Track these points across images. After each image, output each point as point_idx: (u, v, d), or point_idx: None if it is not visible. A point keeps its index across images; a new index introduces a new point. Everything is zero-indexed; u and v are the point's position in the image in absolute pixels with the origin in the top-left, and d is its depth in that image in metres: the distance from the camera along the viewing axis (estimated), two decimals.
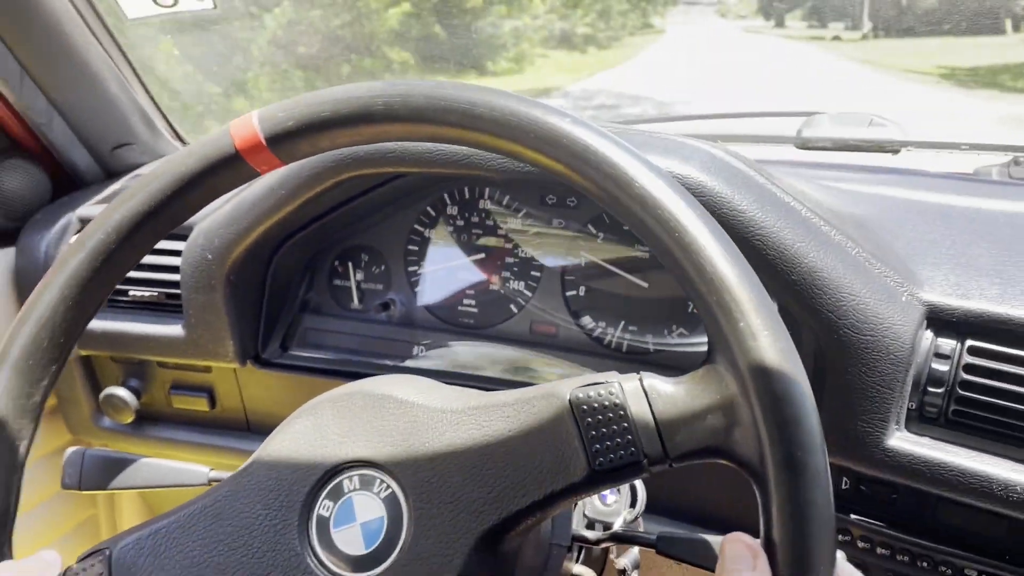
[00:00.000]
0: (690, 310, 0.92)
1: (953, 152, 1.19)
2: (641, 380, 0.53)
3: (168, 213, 0.56)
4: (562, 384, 0.55)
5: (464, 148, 0.81)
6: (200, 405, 1.04)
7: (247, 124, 0.54)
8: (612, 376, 0.54)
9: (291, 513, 0.56)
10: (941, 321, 0.74)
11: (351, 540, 0.56)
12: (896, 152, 1.20)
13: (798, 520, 0.44)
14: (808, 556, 0.44)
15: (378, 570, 0.55)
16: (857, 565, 0.79)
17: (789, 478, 0.44)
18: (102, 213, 0.56)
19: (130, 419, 1.05)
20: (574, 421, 0.53)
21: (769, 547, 0.46)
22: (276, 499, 0.56)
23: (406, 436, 0.56)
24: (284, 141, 0.54)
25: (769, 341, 0.46)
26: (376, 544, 0.55)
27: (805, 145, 1.23)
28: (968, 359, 0.72)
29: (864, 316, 0.71)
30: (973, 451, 0.72)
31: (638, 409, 0.52)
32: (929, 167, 1.26)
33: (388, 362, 1.01)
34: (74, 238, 0.56)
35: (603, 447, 0.52)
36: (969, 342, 0.72)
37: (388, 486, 0.56)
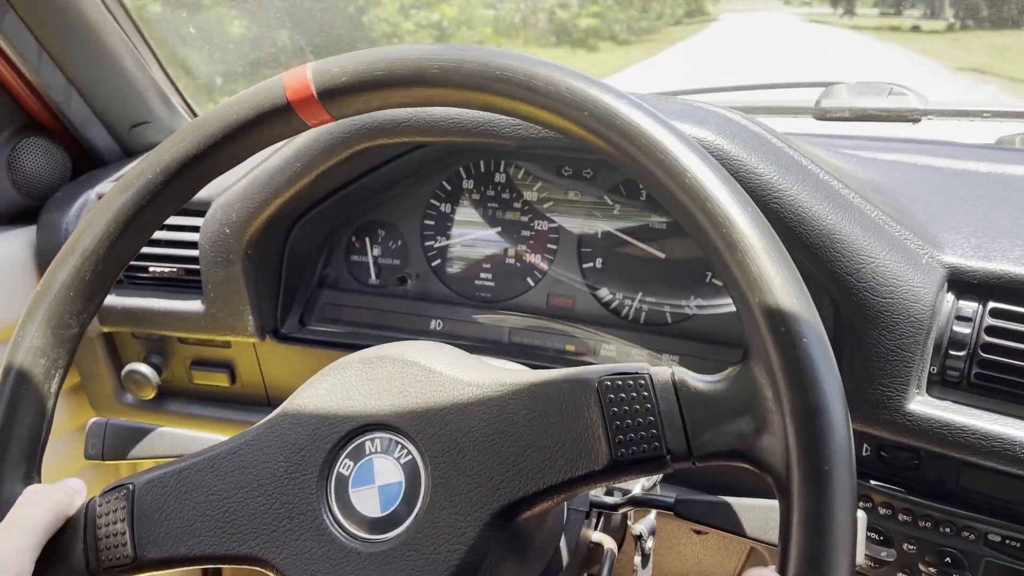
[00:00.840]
0: (708, 280, 0.92)
1: (975, 121, 1.17)
2: (673, 374, 0.52)
3: (215, 159, 0.57)
4: (591, 370, 0.54)
5: (480, 115, 0.80)
6: (220, 380, 1.05)
7: (300, 76, 0.54)
8: (643, 366, 0.53)
9: (312, 468, 0.57)
10: (962, 283, 0.73)
11: (368, 501, 0.56)
12: (917, 121, 1.18)
13: (819, 536, 0.44)
14: (824, 573, 0.44)
15: (392, 534, 0.55)
16: (878, 532, 0.79)
17: (814, 492, 0.44)
18: (150, 154, 0.57)
19: (152, 395, 1.06)
20: (600, 409, 0.52)
21: (784, 557, 0.45)
22: (298, 453, 0.57)
23: (431, 405, 0.56)
24: (336, 96, 0.54)
25: (808, 350, 0.46)
26: (392, 508, 0.56)
27: (824, 116, 1.22)
28: (990, 321, 0.71)
29: (884, 278, 0.71)
30: (996, 414, 0.71)
31: (666, 404, 0.51)
32: (951, 137, 1.25)
33: (406, 336, 1.01)
34: (121, 178, 0.57)
35: (626, 438, 0.52)
36: (991, 304, 0.72)
37: (409, 452, 0.57)
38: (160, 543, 0.57)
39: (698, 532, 0.77)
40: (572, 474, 0.53)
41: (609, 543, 0.76)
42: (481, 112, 0.76)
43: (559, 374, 0.56)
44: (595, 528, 0.78)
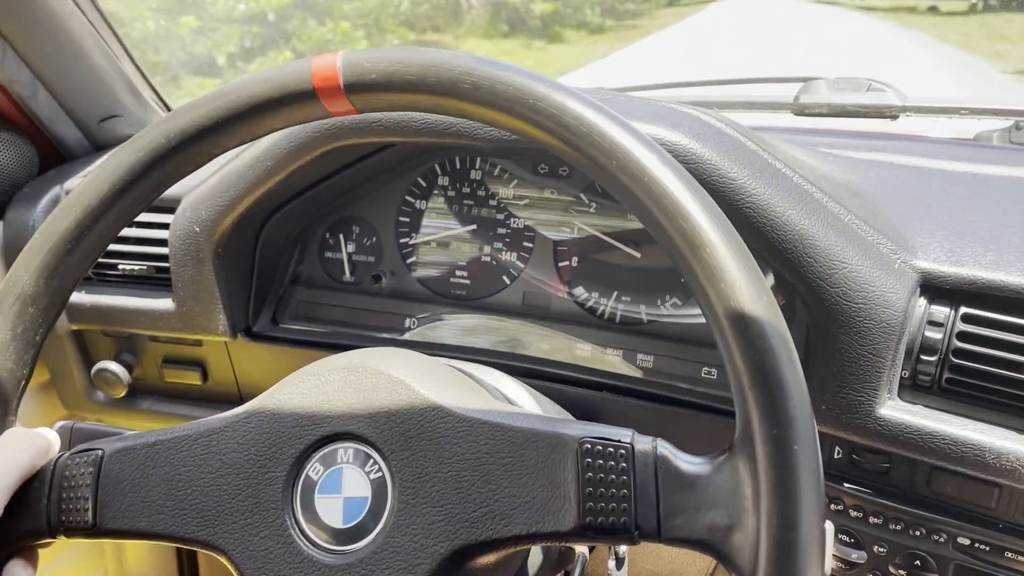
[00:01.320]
0: (683, 280, 0.91)
1: (952, 117, 1.17)
2: (655, 449, 0.52)
3: (229, 132, 0.56)
4: (575, 428, 0.54)
5: (449, 117, 0.79)
6: (192, 379, 1.04)
7: (330, 64, 0.53)
8: (627, 434, 0.53)
9: (282, 465, 0.57)
10: (935, 288, 0.73)
11: (332, 510, 0.56)
12: (895, 117, 1.19)
13: None
14: None
15: (349, 548, 0.55)
16: (849, 534, 0.79)
17: None
18: (163, 120, 0.56)
19: (122, 393, 1.05)
20: (576, 471, 0.52)
21: None
22: (271, 447, 0.57)
23: (410, 427, 0.56)
24: (362, 91, 0.54)
25: (795, 461, 0.46)
26: (355, 522, 0.56)
27: (802, 111, 1.22)
28: (962, 327, 0.71)
29: (856, 284, 0.70)
30: (966, 419, 0.71)
31: (643, 479, 0.51)
32: (929, 133, 1.25)
33: (381, 335, 1.00)
34: (131, 139, 0.57)
35: (597, 507, 0.52)
36: (963, 309, 0.71)
37: (380, 469, 0.56)
38: (121, 514, 0.57)
39: None
40: (537, 529, 0.53)
41: (582, 547, 0.76)
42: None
43: (544, 425, 0.55)
44: None
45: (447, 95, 0.53)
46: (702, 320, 0.90)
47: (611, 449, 0.52)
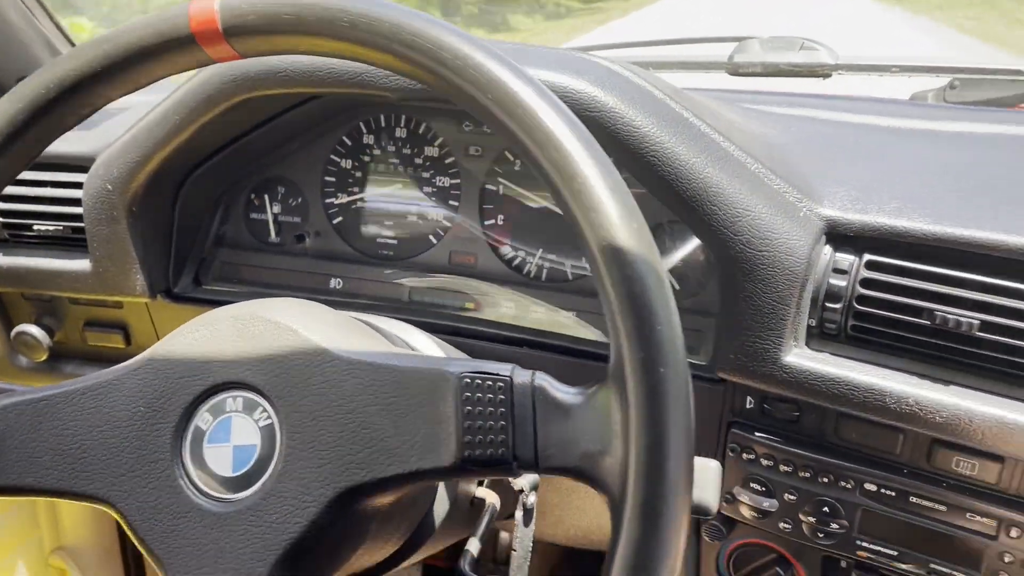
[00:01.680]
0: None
1: (884, 75, 1.17)
2: (534, 380, 0.52)
3: (110, 81, 0.54)
4: (455, 364, 0.54)
5: (354, 65, 0.78)
6: (115, 342, 1.02)
7: (207, 8, 0.51)
8: (507, 368, 0.54)
9: (170, 417, 0.56)
10: (840, 236, 0.73)
11: (220, 458, 0.56)
12: (827, 76, 1.19)
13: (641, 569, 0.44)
14: None
15: (238, 496, 0.55)
16: (760, 483, 0.80)
17: (643, 524, 0.44)
18: (42, 69, 0.55)
19: (43, 357, 1.03)
20: (455, 406, 0.52)
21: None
22: (159, 399, 0.56)
23: (298, 373, 0.56)
24: (242, 34, 0.52)
25: (663, 383, 0.46)
26: (244, 470, 0.56)
27: (737, 71, 1.21)
28: (865, 273, 0.71)
29: (759, 231, 0.70)
30: (870, 365, 0.72)
31: (521, 410, 0.52)
32: (865, 92, 1.25)
33: (306, 296, 0.99)
34: (11, 91, 0.55)
35: (476, 439, 0.52)
36: (867, 256, 0.72)
37: (269, 416, 0.56)
38: (7, 470, 0.57)
39: None
40: (419, 466, 0.53)
41: (492, 498, 0.76)
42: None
43: (425, 363, 0.55)
44: (479, 484, 0.78)
45: (325, 35, 0.51)
46: None
47: (489, 383, 0.52)
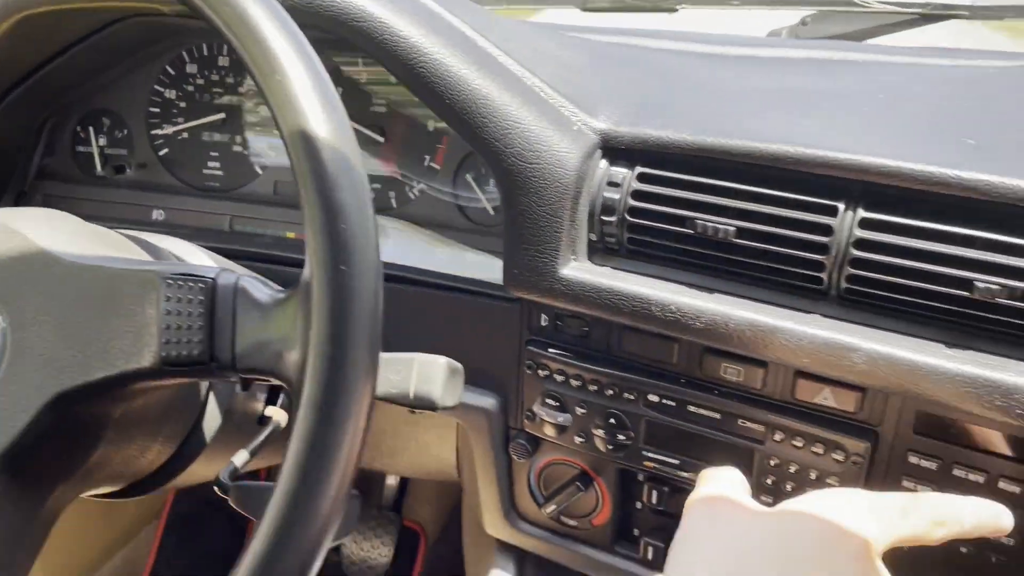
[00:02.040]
0: (426, 164, 0.91)
1: (727, 8, 1.18)
2: (237, 281, 0.53)
3: None
4: (160, 267, 0.54)
5: None
6: None
7: None
8: (213, 269, 0.54)
9: None
10: (615, 150, 0.74)
11: None
12: (673, 11, 1.19)
13: (312, 475, 0.45)
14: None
15: None
16: (554, 398, 0.81)
17: (316, 413, 0.45)
18: None
19: None
20: (157, 308, 0.52)
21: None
22: None
23: (24, 278, 0.55)
24: None
25: (343, 279, 0.46)
26: None
27: (587, 6, 1.21)
28: (636, 185, 0.72)
29: (529, 144, 0.71)
30: (644, 277, 0.73)
31: (223, 312, 0.52)
32: (720, 29, 1.26)
33: (130, 229, 0.98)
34: None
35: (175, 340, 0.52)
36: (639, 169, 0.73)
37: (1, 323, 0.55)
38: None
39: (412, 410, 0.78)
40: (123, 369, 0.53)
41: (280, 416, 0.76)
42: None
43: (135, 265, 0.55)
44: (267, 401, 0.78)
45: None
46: (446, 206, 0.89)
47: (191, 283, 0.52)
